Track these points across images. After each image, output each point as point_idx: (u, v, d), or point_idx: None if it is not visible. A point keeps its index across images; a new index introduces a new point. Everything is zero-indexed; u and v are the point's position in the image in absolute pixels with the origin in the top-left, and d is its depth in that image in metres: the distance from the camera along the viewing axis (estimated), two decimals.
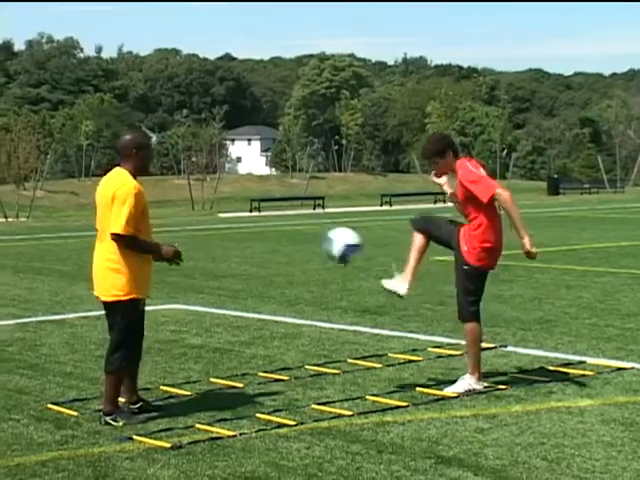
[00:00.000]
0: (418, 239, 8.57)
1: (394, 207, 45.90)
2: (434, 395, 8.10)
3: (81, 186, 74.96)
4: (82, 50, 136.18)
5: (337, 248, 8.37)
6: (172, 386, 8.51)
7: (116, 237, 7.31)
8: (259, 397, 8.12)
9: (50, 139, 74.11)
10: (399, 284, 8.68)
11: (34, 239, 28.15)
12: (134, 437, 6.94)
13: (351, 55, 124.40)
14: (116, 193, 7.31)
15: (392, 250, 21.39)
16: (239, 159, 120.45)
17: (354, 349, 10.10)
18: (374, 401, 7.93)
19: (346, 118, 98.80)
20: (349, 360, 9.49)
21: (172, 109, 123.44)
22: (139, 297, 7.45)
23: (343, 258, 8.45)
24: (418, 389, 8.31)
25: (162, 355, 9.95)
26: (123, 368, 7.43)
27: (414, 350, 9.97)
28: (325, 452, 6.59)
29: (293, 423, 7.26)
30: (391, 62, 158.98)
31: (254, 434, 7.01)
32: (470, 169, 8.13)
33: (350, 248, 8.41)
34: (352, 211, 42.57)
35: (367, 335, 10.93)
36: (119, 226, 7.27)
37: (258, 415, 7.51)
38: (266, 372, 9.03)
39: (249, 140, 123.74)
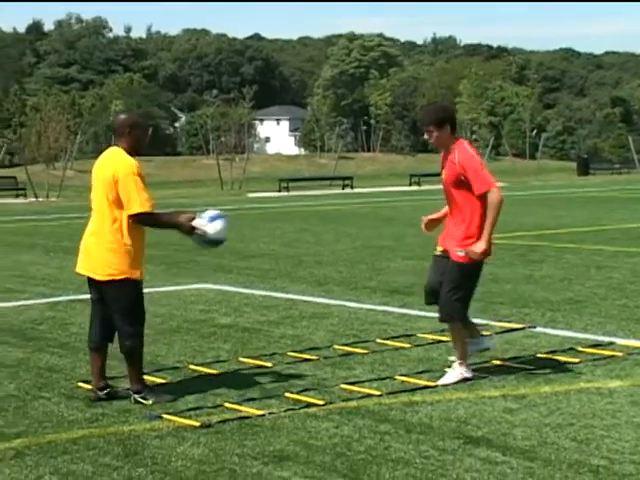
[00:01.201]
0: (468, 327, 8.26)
1: (423, 187, 45.79)
2: None
3: None
4: (111, 30, 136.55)
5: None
6: (201, 365, 8.54)
7: (137, 217, 7.26)
8: (288, 377, 8.14)
9: (80, 119, 74.36)
10: (484, 341, 8.33)
11: (64, 218, 28.29)
12: (163, 416, 6.98)
13: (380, 35, 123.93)
14: (118, 174, 7.25)
15: (421, 231, 21.35)
16: (268, 139, 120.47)
17: (383, 329, 10.10)
18: (403, 381, 7.93)
19: (375, 98, 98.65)
20: (378, 340, 9.49)
21: (201, 89, 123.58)
22: (136, 278, 7.40)
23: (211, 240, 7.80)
24: (447, 369, 8.29)
25: (191, 334, 9.99)
26: (136, 347, 7.43)
27: (442, 330, 9.93)
28: (354, 431, 6.60)
29: (322, 403, 7.28)
30: (420, 42, 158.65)
31: (283, 413, 7.03)
32: (471, 154, 7.78)
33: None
34: (381, 191, 42.51)
35: (395, 315, 10.93)
36: (138, 205, 7.23)
37: (287, 394, 7.53)
38: (295, 352, 9.05)
39: (278, 120, 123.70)
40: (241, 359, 8.79)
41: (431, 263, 8.19)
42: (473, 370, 8.15)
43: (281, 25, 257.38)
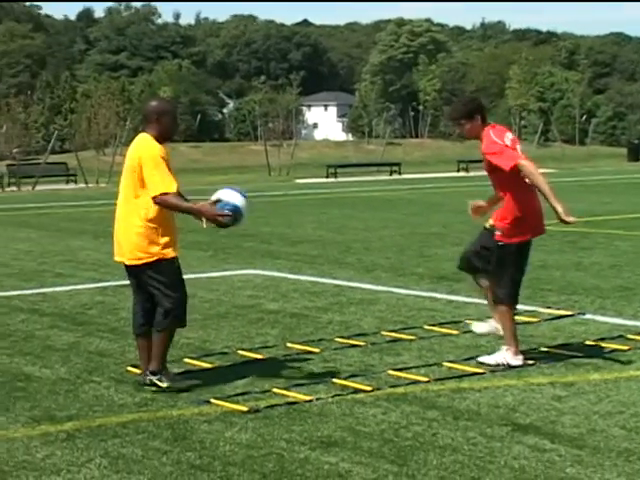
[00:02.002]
0: (479, 281, 8.39)
1: (471, 173, 45.56)
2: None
3: None
4: (160, 17, 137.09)
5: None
6: (249, 351, 8.58)
7: (160, 198, 7.22)
8: (335, 362, 8.15)
9: (129, 105, 74.82)
10: (497, 327, 8.32)
11: (114, 204, 28.48)
12: (212, 400, 7.02)
13: (428, 20, 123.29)
14: (143, 158, 7.27)
15: (469, 217, 21.26)
16: (316, 125, 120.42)
17: (430, 315, 10.09)
18: (450, 367, 7.92)
19: (423, 84, 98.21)
20: (425, 326, 9.48)
21: (249, 75, 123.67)
22: (170, 256, 7.36)
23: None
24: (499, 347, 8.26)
25: (239, 320, 10.04)
26: (170, 327, 7.43)
27: (490, 317, 9.90)
28: (401, 418, 6.61)
29: (369, 389, 7.29)
30: (469, 27, 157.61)
31: (330, 399, 7.05)
32: (493, 140, 7.78)
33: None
34: (428, 177, 42.37)
35: (443, 302, 10.90)
36: (160, 186, 7.22)
37: (334, 380, 7.54)
38: (342, 338, 9.06)
39: (326, 106, 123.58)
40: (289, 345, 8.82)
41: (479, 232, 8.42)
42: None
43: (329, 11, 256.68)
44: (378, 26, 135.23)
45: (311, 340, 8.98)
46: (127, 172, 7.44)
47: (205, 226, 7.61)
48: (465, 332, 9.22)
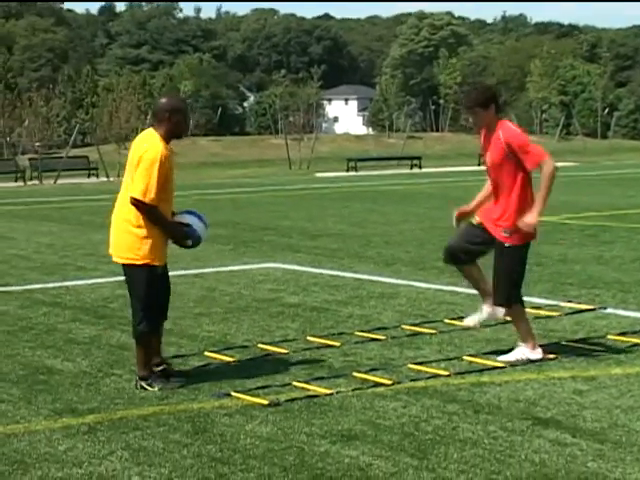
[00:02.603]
0: (465, 270, 8.18)
1: None
2: None
3: (180, 145, 75.71)
4: (181, 11, 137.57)
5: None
6: (269, 344, 8.59)
7: (135, 202, 7.15)
8: (355, 356, 8.16)
9: (150, 99, 74.92)
10: (491, 311, 8.21)
11: None
12: (232, 394, 7.04)
13: (449, 13, 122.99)
14: (142, 156, 7.16)
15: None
16: (336, 119, 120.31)
17: (450, 309, 10.08)
18: (471, 361, 7.91)
19: (444, 77, 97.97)
20: (445, 320, 9.47)
21: (270, 69, 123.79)
22: (155, 264, 7.26)
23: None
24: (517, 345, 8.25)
25: (259, 313, 10.05)
26: (146, 334, 7.32)
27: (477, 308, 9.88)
28: (421, 411, 6.61)
29: (389, 382, 7.29)
30: (490, 20, 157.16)
31: (350, 393, 7.05)
32: (519, 131, 7.74)
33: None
34: (449, 171, 42.28)
35: (463, 295, 10.88)
36: (140, 192, 7.11)
37: (355, 374, 7.55)
38: (362, 331, 9.06)
39: (346, 100, 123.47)
40: (309, 338, 8.82)
41: (462, 227, 8.14)
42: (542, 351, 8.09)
43: (350, 4, 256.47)
44: (399, 19, 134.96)
45: (331, 334, 8.99)
46: (128, 168, 7.34)
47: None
48: (485, 326, 9.20)
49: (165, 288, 7.50)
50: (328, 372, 7.64)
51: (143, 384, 7.25)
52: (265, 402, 6.81)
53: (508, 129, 7.75)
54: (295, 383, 7.31)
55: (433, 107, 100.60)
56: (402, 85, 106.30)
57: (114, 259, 7.46)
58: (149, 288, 7.29)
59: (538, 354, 7.90)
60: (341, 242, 16.03)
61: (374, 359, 8.06)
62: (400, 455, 5.77)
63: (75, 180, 40.67)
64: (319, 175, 41.65)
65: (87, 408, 6.79)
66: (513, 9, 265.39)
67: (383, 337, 8.82)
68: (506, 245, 7.79)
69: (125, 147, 56.36)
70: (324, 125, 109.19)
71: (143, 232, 7.20)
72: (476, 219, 8.03)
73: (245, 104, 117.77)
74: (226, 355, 8.20)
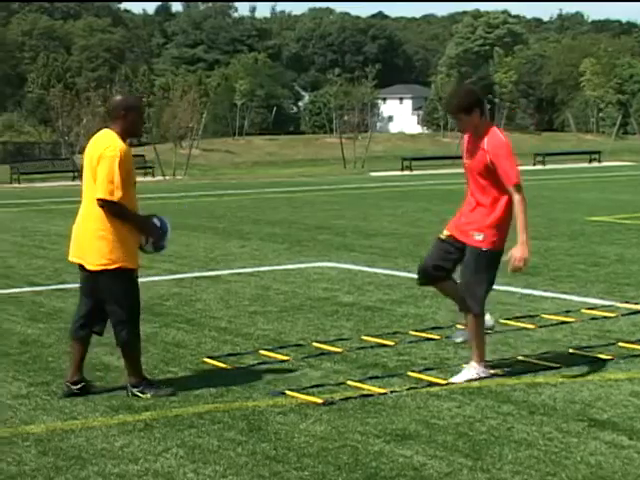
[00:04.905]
0: (442, 286, 7.72)
1: (547, 166, 45.10)
2: (587, 357, 7.98)
3: (236, 145, 76.15)
4: (236, 10, 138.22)
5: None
6: (324, 343, 8.61)
7: (103, 203, 6.93)
8: (410, 355, 8.14)
9: (206, 98, 75.40)
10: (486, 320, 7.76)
11: (190, 197, 28.78)
12: (287, 392, 7.06)
13: (505, 12, 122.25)
14: (102, 155, 6.95)
15: (545, 210, 21.08)
16: (391, 118, 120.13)
17: (506, 309, 10.02)
18: (526, 362, 7.87)
19: (500, 76, 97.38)
20: (501, 320, 9.41)
21: (324, 68, 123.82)
22: (130, 267, 7.05)
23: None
24: (571, 351, 8.20)
25: (314, 312, 10.07)
26: (133, 340, 7.15)
27: (567, 311, 9.83)
28: (476, 412, 6.58)
29: (444, 382, 7.27)
30: (546, 18, 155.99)
31: (405, 392, 7.05)
32: (505, 141, 7.29)
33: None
34: None
35: (519, 295, 10.82)
36: (106, 191, 6.91)
37: (409, 373, 7.54)
38: (417, 331, 9.05)
39: (401, 99, 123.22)
40: (363, 337, 8.83)
41: (433, 243, 7.79)
42: (598, 352, 8.03)
43: (405, 3, 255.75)
44: (454, 18, 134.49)
45: (386, 333, 8.99)
46: (88, 169, 7.08)
47: (142, 244, 7.27)
48: (541, 326, 9.15)
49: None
50: (382, 371, 7.64)
51: (135, 391, 7.08)
52: (319, 401, 6.83)
53: (495, 137, 7.33)
54: (349, 382, 7.31)
55: (489, 106, 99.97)
56: (457, 84, 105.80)
57: (88, 267, 7.08)
58: (130, 291, 7.10)
59: (488, 373, 7.46)
60: (396, 241, 16.01)
61: (428, 359, 8.04)
62: (454, 455, 5.76)
63: None
64: (373, 174, 41.61)
65: (143, 405, 6.85)
66: (570, 7, 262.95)
67: (438, 336, 8.80)
68: (483, 249, 7.35)
69: (181, 146, 56.86)
70: (379, 124, 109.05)
71: (116, 236, 6.98)
72: (444, 233, 7.67)
73: (300, 103, 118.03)
74: (281, 354, 8.23)
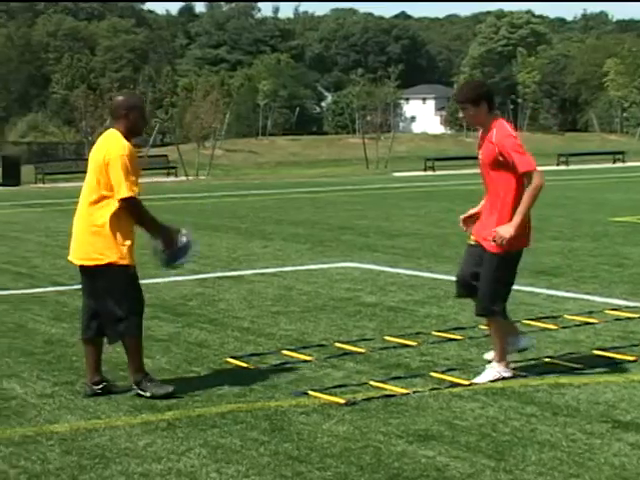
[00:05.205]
0: None
1: (571, 167, 44.93)
2: (611, 358, 7.95)
3: (259, 145, 76.22)
4: (260, 11, 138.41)
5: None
6: (346, 343, 8.61)
7: (125, 202, 6.95)
8: (433, 356, 8.13)
9: (229, 99, 75.55)
10: (521, 340, 7.74)
11: (213, 197, 28.83)
12: (309, 392, 7.06)
13: (529, 12, 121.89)
14: (109, 156, 6.97)
15: (569, 211, 21.02)
16: (414, 118, 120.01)
17: (529, 310, 9.99)
18: (549, 362, 7.84)
19: (523, 76, 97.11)
20: (524, 321, 9.39)
21: (347, 68, 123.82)
22: (125, 263, 7.03)
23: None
24: (594, 352, 8.16)
25: (337, 312, 10.07)
26: (135, 337, 7.11)
27: (590, 312, 9.79)
28: (499, 413, 6.57)
29: (467, 383, 7.26)
30: (570, 18, 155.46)
31: (428, 392, 7.04)
32: (511, 133, 7.22)
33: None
34: None
35: (542, 296, 10.79)
36: (125, 190, 6.93)
37: (432, 374, 7.53)
38: (440, 331, 9.04)
39: (424, 99, 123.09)
40: (386, 338, 8.82)
41: (464, 253, 7.67)
42: (621, 353, 8.00)
43: (428, 4, 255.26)
44: (477, 18, 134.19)
45: (408, 333, 8.98)
46: (92, 169, 7.09)
47: (157, 250, 7.30)
48: (564, 327, 9.12)
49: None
50: (405, 372, 7.64)
51: (137, 389, 7.07)
52: (342, 401, 6.83)
53: (502, 129, 7.28)
54: (372, 382, 7.31)
55: (512, 106, 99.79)
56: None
57: (77, 262, 7.14)
58: (127, 286, 7.07)
59: (510, 373, 7.44)
60: (418, 242, 15.99)
61: (451, 359, 8.03)
62: (477, 456, 5.75)
63: (154, 179, 41.12)
64: (396, 174, 41.57)
65: (166, 405, 6.87)
66: (594, 7, 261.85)
67: (460, 337, 8.79)
68: (489, 253, 7.29)
69: (204, 146, 56.97)
70: (401, 124, 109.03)
71: (110, 231, 6.99)
72: (472, 239, 7.55)
73: (322, 104, 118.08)
74: (303, 354, 8.23)
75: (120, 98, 7.32)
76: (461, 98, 7.44)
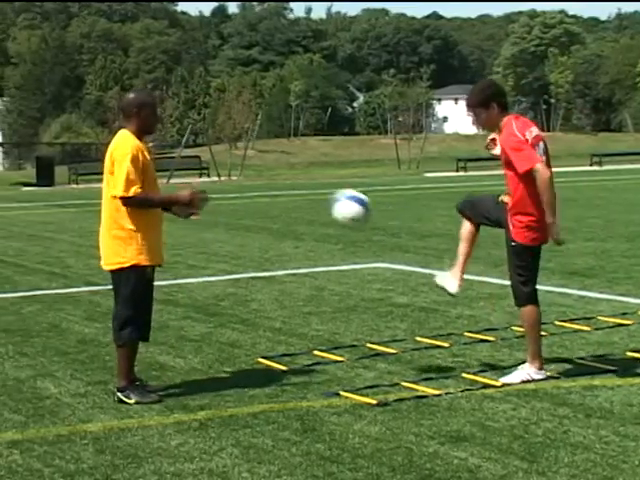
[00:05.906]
0: (466, 229, 7.87)
1: (604, 167, 44.67)
2: None
3: (291, 145, 76.29)
4: (292, 11, 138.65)
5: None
6: (378, 344, 8.60)
7: (122, 200, 6.89)
8: (464, 357, 8.11)
9: (261, 99, 75.72)
10: (449, 281, 8.01)
11: (245, 197, 28.89)
12: (341, 393, 7.07)
13: (562, 12, 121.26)
14: (116, 155, 6.94)
15: (602, 211, 20.90)
16: (445, 118, 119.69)
17: (561, 311, 9.95)
18: (582, 364, 7.80)
19: (556, 76, 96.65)
20: (556, 322, 9.35)
21: (379, 69, 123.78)
22: (142, 264, 6.98)
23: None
24: (628, 353, 8.12)
25: (368, 313, 10.07)
26: (131, 341, 7.06)
27: (624, 314, 9.73)
28: (531, 414, 6.54)
29: (499, 384, 7.23)
30: (604, 18, 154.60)
31: (459, 394, 7.02)
32: (514, 132, 7.16)
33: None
34: (560, 171, 41.57)
35: (575, 297, 10.74)
36: (121, 188, 6.86)
37: (464, 375, 7.51)
38: (472, 332, 9.01)
39: (456, 99, 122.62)
40: (418, 338, 8.81)
41: (491, 197, 7.85)
42: None
43: (460, 4, 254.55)
44: (510, 18, 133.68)
45: (440, 334, 8.96)
46: (106, 171, 7.06)
47: (194, 217, 7.37)
48: (597, 329, 9.07)
49: (151, 296, 7.22)
50: (437, 373, 7.62)
51: (121, 396, 6.96)
52: (374, 402, 6.83)
53: (507, 129, 7.22)
54: (404, 383, 7.30)
55: (544, 106, 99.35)
56: (513, 84, 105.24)
57: (104, 267, 7.16)
58: (137, 290, 7.01)
59: (542, 375, 7.39)
60: (450, 242, 15.91)
61: (483, 360, 8.01)
62: (509, 458, 5.73)
63: (187, 180, 41.24)
64: (428, 175, 41.50)
65: (198, 404, 6.89)
66: (628, 7, 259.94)
67: (492, 338, 8.76)
68: (512, 243, 7.45)
69: (236, 147, 57.06)
70: (433, 125, 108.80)
71: (127, 233, 6.95)
72: (502, 197, 7.60)
73: (354, 104, 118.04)
74: (335, 354, 8.24)
75: (130, 96, 7.23)
76: (470, 102, 7.39)
